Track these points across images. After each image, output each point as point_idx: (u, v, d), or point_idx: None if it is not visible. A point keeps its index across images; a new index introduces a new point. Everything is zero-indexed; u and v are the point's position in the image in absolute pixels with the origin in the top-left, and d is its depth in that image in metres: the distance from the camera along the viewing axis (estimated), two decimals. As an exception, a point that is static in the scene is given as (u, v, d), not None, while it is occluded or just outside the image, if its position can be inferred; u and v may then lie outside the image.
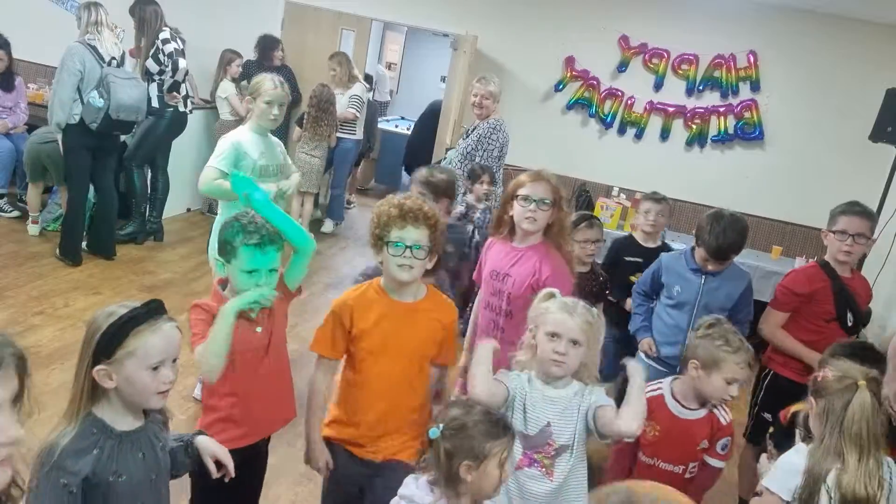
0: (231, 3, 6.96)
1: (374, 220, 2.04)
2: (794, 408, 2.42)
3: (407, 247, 1.99)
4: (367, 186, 8.98)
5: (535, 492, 1.97)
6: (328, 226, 6.88)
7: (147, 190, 5.58)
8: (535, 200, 2.46)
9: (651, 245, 3.64)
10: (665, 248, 3.65)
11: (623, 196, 6.18)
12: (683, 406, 2.28)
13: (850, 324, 2.91)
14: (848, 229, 2.88)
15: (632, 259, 3.58)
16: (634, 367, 2.05)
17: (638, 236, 3.71)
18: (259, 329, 2.04)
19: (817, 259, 3.11)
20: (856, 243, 2.88)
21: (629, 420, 1.91)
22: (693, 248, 3.02)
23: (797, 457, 1.94)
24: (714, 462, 2.30)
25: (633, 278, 3.42)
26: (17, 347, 1.16)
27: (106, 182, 5.03)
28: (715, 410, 2.29)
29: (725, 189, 6.45)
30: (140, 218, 5.53)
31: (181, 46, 5.33)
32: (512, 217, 2.53)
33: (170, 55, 5.18)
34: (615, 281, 3.55)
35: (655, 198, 3.69)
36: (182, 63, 5.33)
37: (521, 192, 2.49)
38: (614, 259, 3.68)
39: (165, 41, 5.16)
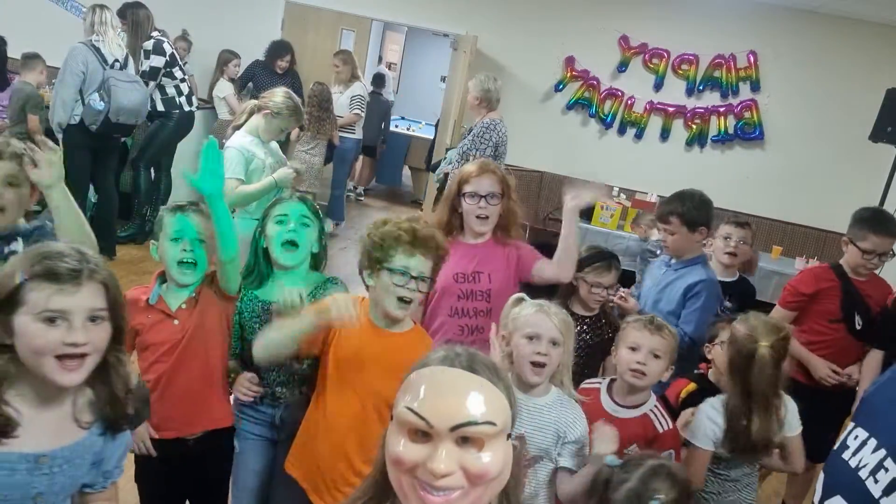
0: (231, 3, 6.96)
1: (375, 241, 1.82)
2: (688, 388, 2.37)
3: (413, 277, 1.79)
4: (367, 186, 8.97)
5: None
6: (328, 226, 6.88)
7: (151, 191, 5.58)
8: (482, 196, 2.33)
9: (728, 279, 2.97)
10: (742, 283, 3.04)
11: (623, 196, 6.18)
12: (618, 404, 2.07)
13: (858, 327, 2.80)
14: (877, 249, 2.75)
15: None
16: None
17: (713, 266, 2.94)
18: (176, 322, 1.98)
19: (830, 263, 3.01)
20: (881, 262, 2.79)
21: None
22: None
23: (713, 411, 2.07)
24: None
25: None
26: (109, 278, 1.29)
27: (106, 182, 5.03)
28: (651, 414, 2.05)
29: (725, 189, 6.43)
30: (140, 219, 5.53)
31: (168, 54, 5.23)
32: (461, 214, 2.38)
33: (142, 74, 5.07)
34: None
35: (738, 221, 3.07)
36: (177, 72, 5.25)
37: (468, 188, 2.34)
38: None
39: (147, 53, 5.10)
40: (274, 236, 2.04)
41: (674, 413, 2.28)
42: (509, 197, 2.39)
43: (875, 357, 2.78)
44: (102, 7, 4.77)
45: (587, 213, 5.92)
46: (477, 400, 0.91)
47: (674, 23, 6.38)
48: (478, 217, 2.34)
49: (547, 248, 2.75)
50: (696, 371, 2.45)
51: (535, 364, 1.84)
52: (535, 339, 1.84)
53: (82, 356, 1.24)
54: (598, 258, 2.59)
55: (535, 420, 1.85)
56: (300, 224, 2.05)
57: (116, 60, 4.79)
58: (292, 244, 2.04)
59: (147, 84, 5.07)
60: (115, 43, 4.79)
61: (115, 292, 1.29)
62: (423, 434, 0.89)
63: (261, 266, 2.11)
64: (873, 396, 1.33)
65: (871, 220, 2.79)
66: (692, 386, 2.33)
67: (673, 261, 2.79)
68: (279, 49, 6.48)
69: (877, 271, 2.92)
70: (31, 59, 5.42)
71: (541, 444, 1.85)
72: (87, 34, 4.73)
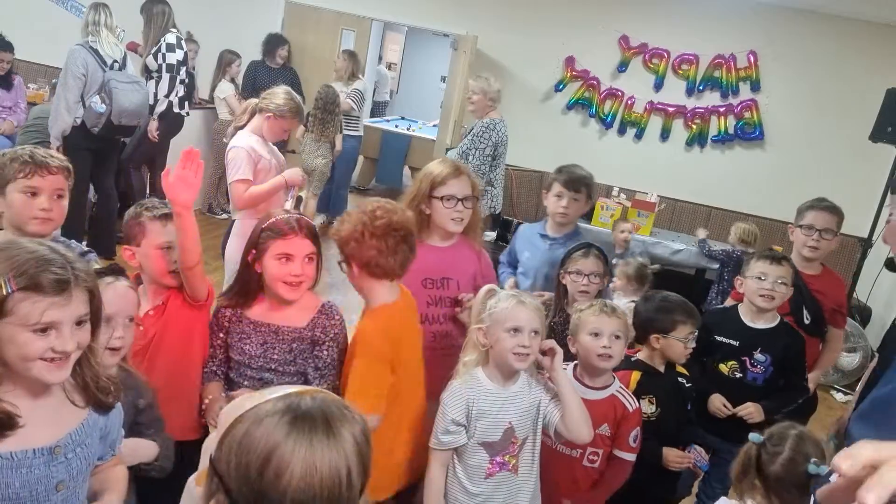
0: (231, 3, 6.96)
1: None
2: (635, 378, 2.30)
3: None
4: (367, 186, 8.97)
5: (503, 494, 1.93)
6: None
7: (146, 191, 5.57)
8: (460, 199, 2.27)
9: (762, 325, 2.56)
10: (783, 333, 2.57)
11: (623, 196, 6.18)
12: (586, 385, 2.13)
13: (806, 321, 2.79)
14: (815, 224, 2.81)
15: (725, 340, 2.56)
16: (552, 352, 1.91)
17: (744, 310, 2.61)
18: (141, 328, 1.89)
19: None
20: (822, 238, 2.81)
21: (578, 428, 1.89)
22: (547, 219, 2.92)
23: None
24: (625, 455, 2.13)
25: (723, 367, 2.52)
26: (94, 283, 1.30)
27: (106, 182, 5.03)
28: (618, 394, 2.14)
29: (725, 189, 6.46)
30: (137, 219, 5.52)
31: (183, 55, 5.24)
32: (429, 216, 2.30)
33: (170, 67, 5.10)
34: (700, 369, 2.54)
35: (774, 256, 2.62)
36: (181, 72, 5.26)
37: (444, 191, 2.27)
38: (702, 336, 2.42)
39: (171, 47, 5.10)
40: (277, 275, 1.93)
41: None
42: (477, 198, 2.38)
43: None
44: (100, 6, 4.75)
45: (587, 214, 5.92)
46: None
47: (674, 23, 6.38)
48: (453, 220, 2.29)
49: None
50: (630, 359, 2.39)
51: (519, 355, 1.88)
52: (518, 332, 1.87)
53: (68, 356, 1.28)
54: (576, 248, 2.59)
55: (517, 406, 1.93)
56: (306, 261, 1.97)
57: (115, 61, 4.77)
58: (298, 283, 1.96)
59: (161, 77, 5.08)
60: (110, 42, 4.77)
61: (98, 297, 1.31)
62: None
63: (252, 288, 1.99)
64: (860, 417, 1.33)
65: (809, 201, 2.92)
66: (637, 374, 2.31)
67: (552, 233, 2.85)
68: (275, 42, 6.49)
69: (824, 253, 2.87)
70: None
71: (525, 427, 1.94)
72: (84, 35, 4.71)
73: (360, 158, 8.08)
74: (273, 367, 1.95)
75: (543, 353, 1.92)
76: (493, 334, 1.90)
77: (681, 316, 2.31)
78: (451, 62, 6.71)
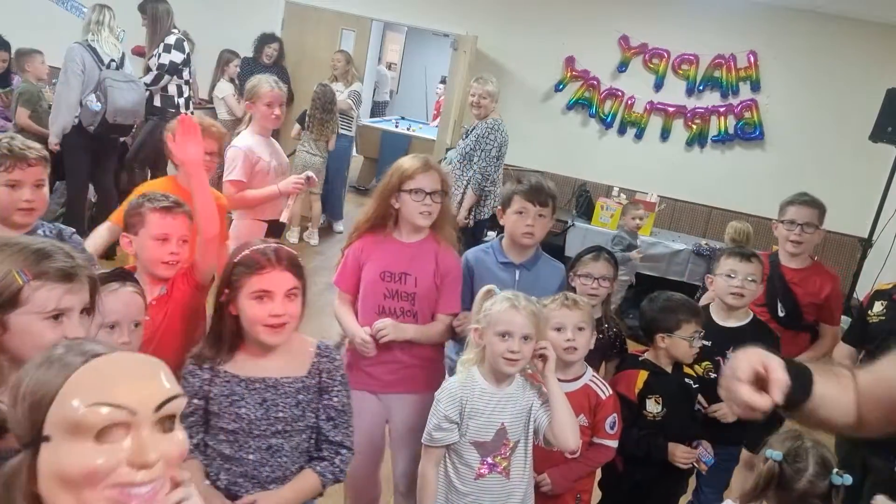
0: (231, 3, 6.96)
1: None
2: (642, 378, 2.30)
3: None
4: (367, 186, 8.97)
5: (494, 496, 1.93)
6: (339, 226, 6.91)
7: (147, 190, 5.57)
8: (428, 193, 2.21)
9: (733, 323, 2.52)
10: (755, 330, 2.53)
11: (623, 196, 6.18)
12: (560, 380, 2.06)
13: (781, 314, 2.80)
14: (796, 219, 2.83)
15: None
16: (548, 354, 1.90)
17: (715, 309, 2.58)
18: (147, 317, 1.86)
19: (770, 252, 3.06)
20: (804, 232, 2.82)
21: (565, 436, 1.88)
22: (501, 238, 2.53)
23: None
24: (605, 442, 2.16)
25: (697, 368, 2.43)
26: (93, 272, 1.36)
27: (106, 182, 5.02)
28: (591, 383, 2.17)
29: (725, 189, 6.46)
30: (139, 219, 5.51)
31: (186, 53, 5.24)
32: (397, 210, 2.26)
33: (160, 67, 5.09)
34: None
35: (743, 253, 2.57)
36: (185, 73, 5.26)
37: (412, 185, 2.21)
38: None
39: (168, 48, 5.09)
40: (256, 317, 1.64)
41: (633, 408, 2.28)
42: (446, 194, 2.31)
43: (841, 351, 2.69)
44: (102, 7, 4.76)
45: (587, 213, 5.93)
46: (166, 373, 0.92)
47: (674, 23, 6.38)
48: (421, 213, 2.23)
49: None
50: (638, 359, 2.39)
51: (509, 360, 1.89)
52: (508, 337, 1.87)
53: None
54: (586, 251, 2.58)
55: (511, 408, 1.93)
56: (289, 299, 1.67)
57: (112, 60, 4.77)
58: (281, 325, 1.68)
59: (162, 78, 5.07)
60: (110, 42, 4.78)
61: (97, 286, 1.36)
62: (115, 429, 0.84)
63: (229, 336, 1.71)
64: None
65: (791, 196, 2.95)
66: (644, 374, 2.31)
67: (515, 259, 2.44)
68: (264, 39, 6.50)
69: (807, 247, 2.86)
70: (26, 54, 5.39)
71: (517, 430, 1.94)
72: (84, 33, 4.72)
73: (359, 158, 8.08)
74: (280, 427, 1.68)
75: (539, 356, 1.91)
76: (486, 336, 1.91)
77: (684, 315, 2.31)
78: (451, 62, 6.70)
